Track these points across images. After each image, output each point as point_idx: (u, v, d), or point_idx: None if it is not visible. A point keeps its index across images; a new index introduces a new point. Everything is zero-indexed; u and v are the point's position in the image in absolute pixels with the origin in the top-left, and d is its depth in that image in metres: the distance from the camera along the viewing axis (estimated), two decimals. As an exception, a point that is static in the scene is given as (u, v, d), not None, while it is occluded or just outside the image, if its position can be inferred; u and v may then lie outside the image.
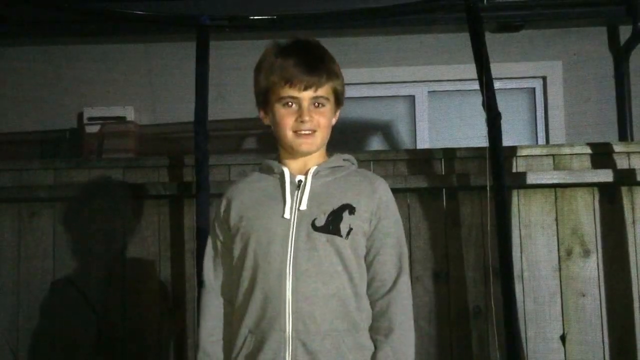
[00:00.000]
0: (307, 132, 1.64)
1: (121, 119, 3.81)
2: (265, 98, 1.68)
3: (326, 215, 1.61)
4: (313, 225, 1.60)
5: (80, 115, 3.87)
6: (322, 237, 1.60)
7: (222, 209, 1.71)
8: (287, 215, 1.61)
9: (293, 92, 1.63)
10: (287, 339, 1.56)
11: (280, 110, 1.65)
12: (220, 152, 2.98)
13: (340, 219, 1.61)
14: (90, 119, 3.81)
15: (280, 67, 1.63)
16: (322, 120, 1.65)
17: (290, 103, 1.64)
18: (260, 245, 1.61)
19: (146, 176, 2.81)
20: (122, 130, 3.73)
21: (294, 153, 1.67)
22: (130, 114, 3.83)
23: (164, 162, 2.84)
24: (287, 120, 1.64)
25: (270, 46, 1.69)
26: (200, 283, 1.75)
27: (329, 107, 1.67)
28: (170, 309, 2.72)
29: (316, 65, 1.64)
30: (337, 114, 1.72)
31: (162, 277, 2.74)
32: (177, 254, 2.74)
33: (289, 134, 1.65)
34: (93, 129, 3.77)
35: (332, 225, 1.61)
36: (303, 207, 1.62)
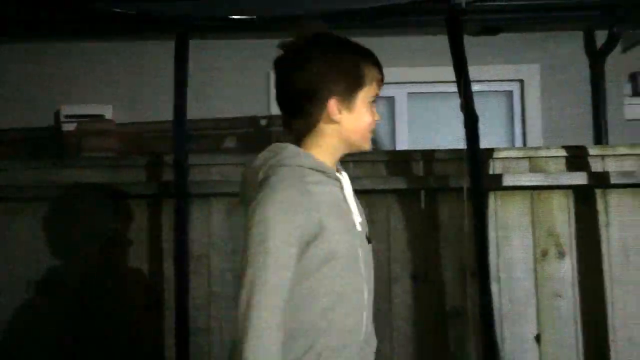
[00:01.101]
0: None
1: (99, 117, 3.78)
2: (353, 93, 1.52)
3: (367, 224, 1.59)
4: (367, 237, 1.56)
5: (57, 114, 3.83)
6: (370, 248, 1.58)
7: (304, 220, 1.43)
8: (359, 227, 1.54)
9: (378, 91, 1.57)
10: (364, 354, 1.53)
11: (368, 110, 1.55)
12: (200, 151, 2.97)
13: (367, 225, 1.60)
14: (67, 116, 3.77)
15: (374, 64, 1.55)
16: None
17: (374, 102, 1.57)
18: (348, 259, 1.49)
19: (125, 175, 2.79)
20: (100, 129, 3.70)
21: (349, 152, 1.58)
22: (108, 112, 3.81)
23: (143, 161, 2.82)
24: (371, 119, 1.55)
25: (342, 39, 1.57)
26: (255, 327, 1.36)
27: None
28: (148, 308, 2.71)
29: None
30: None
31: (141, 276, 2.72)
32: (156, 254, 2.73)
33: (367, 134, 1.57)
34: (70, 126, 3.74)
35: (369, 233, 1.58)
36: (358, 218, 1.55)
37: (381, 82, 1.56)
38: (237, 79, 3.91)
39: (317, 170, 1.50)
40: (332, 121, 1.51)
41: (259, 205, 1.43)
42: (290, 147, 1.52)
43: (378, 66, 1.56)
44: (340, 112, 1.52)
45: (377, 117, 1.57)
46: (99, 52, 3.89)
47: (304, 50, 1.53)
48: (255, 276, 1.38)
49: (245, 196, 1.54)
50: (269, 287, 1.37)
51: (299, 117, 1.53)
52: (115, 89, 3.88)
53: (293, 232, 1.41)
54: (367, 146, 1.57)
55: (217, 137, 3.79)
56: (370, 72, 1.54)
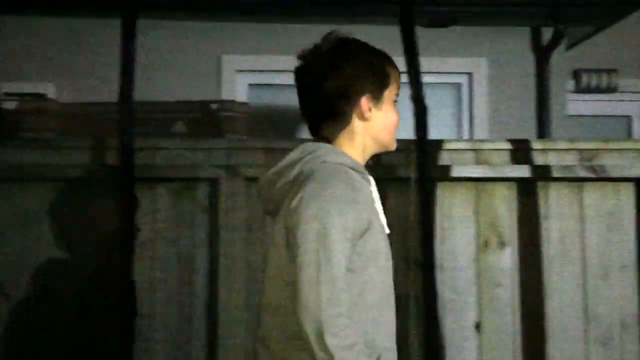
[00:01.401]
0: None
1: (41, 96, 3.67)
2: (381, 91, 1.57)
3: None
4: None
5: (-5, 91, 3.70)
6: None
7: (356, 215, 1.44)
8: (387, 229, 1.57)
9: (398, 91, 1.61)
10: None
11: (393, 109, 1.59)
12: (146, 134, 2.92)
13: None
14: (7, 94, 3.65)
15: (394, 66, 1.60)
16: None
17: (395, 102, 1.61)
18: (386, 259, 1.52)
19: (68, 158, 2.72)
20: (42, 108, 3.59)
21: (377, 151, 1.61)
22: (51, 90, 3.70)
23: (87, 144, 2.75)
24: (397, 118, 1.59)
25: (364, 43, 1.60)
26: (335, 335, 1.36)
27: None
28: (92, 292, 2.66)
29: None
30: None
31: (86, 263, 2.67)
32: (99, 238, 2.67)
33: (394, 132, 1.60)
34: (10, 105, 3.62)
35: None
36: (384, 219, 1.57)
37: (399, 82, 1.60)
38: (187, 62, 3.85)
39: (355, 170, 1.52)
40: (364, 119, 1.55)
41: (311, 199, 1.42)
42: (326, 145, 1.54)
43: (397, 68, 1.61)
44: (370, 110, 1.55)
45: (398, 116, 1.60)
46: (42, 29, 3.76)
47: (334, 54, 1.56)
48: (319, 271, 1.38)
49: (271, 200, 1.54)
50: (335, 281, 1.38)
51: (331, 118, 1.55)
52: (58, 67, 3.77)
53: (349, 226, 1.41)
54: (393, 146, 1.61)
55: (165, 120, 3.72)
56: (393, 72, 1.59)
